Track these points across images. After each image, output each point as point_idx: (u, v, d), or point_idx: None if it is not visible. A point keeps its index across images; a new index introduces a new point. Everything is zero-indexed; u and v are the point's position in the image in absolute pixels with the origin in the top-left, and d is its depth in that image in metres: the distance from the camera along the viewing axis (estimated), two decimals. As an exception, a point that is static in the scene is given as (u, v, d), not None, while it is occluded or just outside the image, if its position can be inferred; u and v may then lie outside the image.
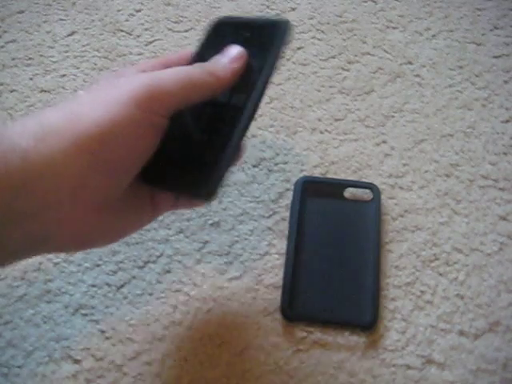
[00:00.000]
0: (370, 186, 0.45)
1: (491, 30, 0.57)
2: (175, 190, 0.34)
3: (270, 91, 0.52)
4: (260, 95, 0.34)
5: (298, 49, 0.55)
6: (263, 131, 0.50)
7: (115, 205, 0.31)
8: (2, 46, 0.55)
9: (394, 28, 0.57)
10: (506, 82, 0.54)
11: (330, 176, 0.47)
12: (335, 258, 0.42)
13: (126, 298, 0.41)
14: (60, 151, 0.28)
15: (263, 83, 0.34)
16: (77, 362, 0.38)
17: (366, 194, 0.45)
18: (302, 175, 0.46)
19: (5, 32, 0.56)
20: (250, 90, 0.34)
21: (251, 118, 0.34)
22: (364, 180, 0.46)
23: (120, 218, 0.32)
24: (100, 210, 0.30)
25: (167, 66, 0.34)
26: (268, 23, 0.36)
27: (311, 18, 0.58)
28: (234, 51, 0.34)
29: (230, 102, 0.34)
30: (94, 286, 0.41)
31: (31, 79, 0.53)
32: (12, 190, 0.27)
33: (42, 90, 0.52)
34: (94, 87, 0.32)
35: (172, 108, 0.31)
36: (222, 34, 0.37)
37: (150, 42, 0.56)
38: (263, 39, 0.36)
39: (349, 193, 0.45)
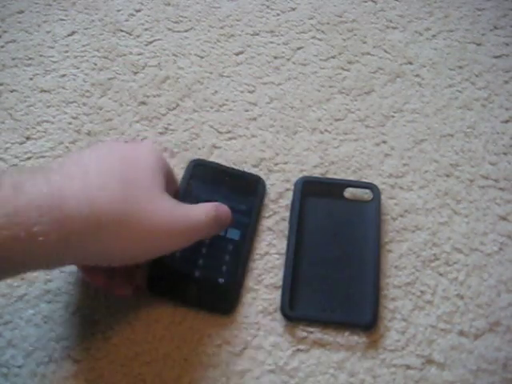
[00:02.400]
0: (369, 186, 0.45)
1: (491, 30, 0.57)
2: (194, 304, 0.40)
3: (270, 91, 0.52)
4: (253, 230, 0.43)
5: (298, 49, 0.55)
6: (263, 131, 0.50)
7: None
8: (2, 46, 0.55)
9: (393, 28, 0.57)
10: (506, 82, 0.54)
11: (330, 176, 0.47)
12: (335, 257, 0.42)
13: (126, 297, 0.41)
14: None
15: (254, 222, 0.43)
16: (77, 362, 0.38)
17: (366, 194, 0.45)
18: (301, 175, 0.46)
19: (5, 32, 0.56)
20: (243, 226, 0.43)
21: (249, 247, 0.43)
22: (364, 180, 0.46)
23: None
24: None
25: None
26: (247, 176, 0.45)
27: (311, 18, 0.58)
28: (224, 207, 0.39)
29: (226, 236, 0.42)
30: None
31: (31, 79, 0.53)
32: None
33: (42, 90, 0.52)
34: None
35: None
36: (204, 175, 0.45)
37: (150, 42, 0.56)
38: (245, 187, 0.45)
39: (349, 193, 0.45)
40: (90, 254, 0.33)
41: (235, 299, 0.40)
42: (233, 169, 0.46)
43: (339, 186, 0.45)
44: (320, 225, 0.43)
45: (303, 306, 0.40)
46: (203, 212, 0.37)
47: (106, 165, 0.34)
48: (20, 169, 0.34)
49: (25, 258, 0.31)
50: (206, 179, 0.44)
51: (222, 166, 0.46)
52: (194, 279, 0.40)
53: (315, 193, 0.45)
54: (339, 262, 0.42)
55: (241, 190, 0.44)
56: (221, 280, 0.40)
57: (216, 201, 0.40)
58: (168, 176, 0.38)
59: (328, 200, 0.45)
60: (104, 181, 0.33)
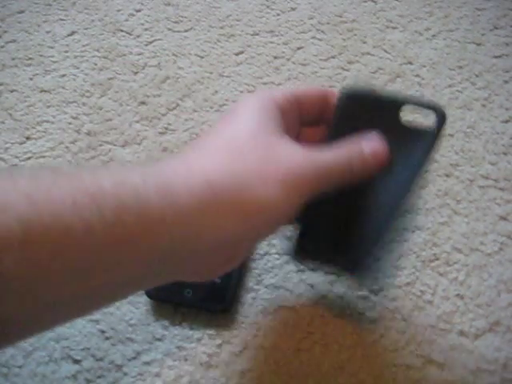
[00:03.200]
0: (433, 107, 0.34)
1: (491, 30, 0.57)
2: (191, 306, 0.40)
3: (270, 91, 0.52)
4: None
5: (298, 49, 0.55)
6: (263, 131, 0.49)
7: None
8: (2, 46, 0.55)
9: (393, 28, 0.57)
10: (506, 81, 0.54)
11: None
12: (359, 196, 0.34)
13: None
14: (230, 227, 0.28)
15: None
16: (77, 362, 0.38)
17: (426, 119, 0.35)
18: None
19: (5, 32, 0.56)
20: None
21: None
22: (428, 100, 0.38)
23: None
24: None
25: (306, 98, 0.34)
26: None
27: (311, 18, 0.58)
28: (377, 146, 0.32)
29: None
30: (94, 286, 0.41)
31: (31, 79, 0.53)
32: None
33: (42, 90, 0.52)
34: (256, 137, 0.30)
35: (312, 193, 0.30)
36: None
37: (150, 42, 0.56)
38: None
39: (406, 115, 0.35)
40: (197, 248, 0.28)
41: (232, 299, 0.40)
42: None
43: (394, 103, 0.34)
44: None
45: (315, 241, 0.35)
46: (336, 156, 0.31)
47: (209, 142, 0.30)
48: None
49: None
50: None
51: None
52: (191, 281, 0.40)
53: (364, 112, 0.34)
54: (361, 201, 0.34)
55: None
56: (217, 280, 0.40)
57: None
58: (288, 111, 0.32)
59: (378, 121, 0.34)
60: (208, 159, 0.28)
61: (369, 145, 0.32)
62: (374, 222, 0.34)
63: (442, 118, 0.33)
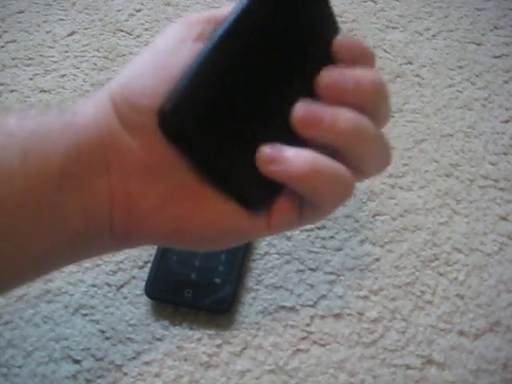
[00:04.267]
0: None
1: (491, 30, 0.57)
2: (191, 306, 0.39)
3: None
4: None
5: (298, 49, 0.55)
6: (263, 131, 0.49)
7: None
8: (2, 46, 0.55)
9: (393, 28, 0.57)
10: (506, 81, 0.54)
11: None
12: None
13: (126, 297, 0.41)
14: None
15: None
16: (77, 362, 0.38)
17: None
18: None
19: (5, 32, 0.56)
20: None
21: None
22: None
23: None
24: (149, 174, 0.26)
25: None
26: None
27: (311, 18, 0.58)
28: None
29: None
30: (94, 285, 0.41)
31: (31, 79, 0.53)
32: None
33: (42, 90, 0.52)
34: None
35: None
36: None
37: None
38: None
39: None
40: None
41: (232, 299, 0.40)
42: None
43: None
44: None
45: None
46: None
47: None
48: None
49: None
50: None
51: None
52: (191, 281, 0.40)
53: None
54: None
55: None
56: (217, 280, 0.40)
57: None
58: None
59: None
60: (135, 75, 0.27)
61: None
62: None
63: None
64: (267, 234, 0.29)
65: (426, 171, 0.48)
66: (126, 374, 0.38)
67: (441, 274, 0.42)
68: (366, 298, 0.41)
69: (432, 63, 0.55)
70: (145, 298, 0.40)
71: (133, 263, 0.42)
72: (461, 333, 0.40)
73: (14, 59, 0.54)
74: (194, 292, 0.40)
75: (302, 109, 0.27)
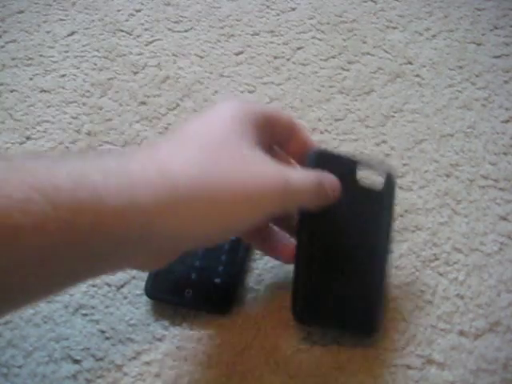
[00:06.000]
0: (386, 171, 0.39)
1: (491, 30, 0.57)
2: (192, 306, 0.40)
3: (270, 91, 0.52)
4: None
5: (298, 49, 0.55)
6: (263, 131, 0.49)
7: None
8: (2, 46, 0.55)
9: (394, 28, 0.57)
10: (506, 82, 0.54)
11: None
12: (345, 258, 0.38)
13: (126, 297, 0.41)
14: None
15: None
16: (77, 362, 0.38)
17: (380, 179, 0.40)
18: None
19: (5, 32, 0.56)
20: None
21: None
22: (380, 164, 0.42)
23: None
24: None
25: (278, 121, 0.35)
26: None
27: (311, 18, 0.58)
28: (333, 181, 0.35)
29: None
30: (94, 285, 0.41)
31: (31, 79, 0.53)
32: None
33: (42, 90, 0.52)
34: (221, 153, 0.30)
35: (279, 208, 0.32)
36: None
37: (150, 42, 0.56)
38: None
39: (363, 174, 0.39)
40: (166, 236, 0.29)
41: (232, 299, 0.40)
42: None
43: (353, 164, 0.38)
44: (331, 211, 0.36)
45: (316, 308, 0.37)
46: (306, 176, 0.33)
47: (182, 139, 0.30)
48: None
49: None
50: None
51: None
52: (191, 281, 0.40)
53: (330, 169, 0.37)
54: (349, 264, 0.38)
55: None
56: (217, 280, 0.40)
57: None
58: (263, 126, 0.33)
59: (342, 179, 0.37)
60: (177, 152, 0.29)
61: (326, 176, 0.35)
62: (366, 282, 0.38)
63: (390, 180, 0.39)
64: None
65: (426, 171, 0.48)
66: (126, 373, 0.38)
67: (441, 274, 0.42)
68: (366, 298, 0.41)
69: (432, 63, 0.55)
70: (145, 298, 0.40)
71: (133, 263, 0.42)
72: (461, 333, 0.40)
73: (13, 59, 0.54)
74: (194, 292, 0.40)
75: None
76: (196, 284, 0.40)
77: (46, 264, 0.25)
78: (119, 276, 0.41)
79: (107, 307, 0.40)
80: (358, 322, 0.38)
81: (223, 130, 0.30)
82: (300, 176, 0.33)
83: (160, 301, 0.40)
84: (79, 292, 0.41)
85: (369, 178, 0.39)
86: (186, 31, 0.56)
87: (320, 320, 0.38)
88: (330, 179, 0.35)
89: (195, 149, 0.29)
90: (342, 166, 0.38)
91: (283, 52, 0.55)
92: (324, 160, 0.37)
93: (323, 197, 0.34)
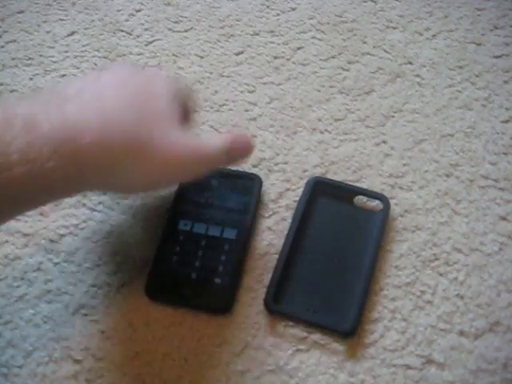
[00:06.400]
0: (380, 198, 0.45)
1: (491, 30, 0.57)
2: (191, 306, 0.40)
3: (270, 91, 0.52)
4: (250, 229, 0.43)
5: (298, 49, 0.55)
6: (263, 131, 0.50)
7: None
8: (2, 46, 0.55)
9: (394, 28, 0.57)
10: (506, 82, 0.54)
11: (330, 176, 0.47)
12: (331, 262, 0.42)
13: (125, 298, 0.41)
14: None
15: (251, 221, 0.43)
16: (77, 362, 0.38)
17: (375, 204, 0.45)
18: (312, 175, 0.46)
19: (5, 32, 0.56)
20: (240, 226, 0.42)
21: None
22: (376, 190, 0.46)
23: None
24: None
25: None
26: (242, 175, 0.45)
27: (311, 18, 0.58)
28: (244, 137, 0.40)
29: (222, 236, 0.42)
30: (94, 286, 0.41)
31: (31, 79, 0.53)
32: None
33: (42, 90, 0.52)
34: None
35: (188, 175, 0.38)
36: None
37: (150, 42, 0.56)
38: (241, 186, 0.45)
39: (359, 200, 0.45)
40: (106, 184, 0.35)
41: (232, 299, 0.40)
42: (228, 168, 0.45)
43: (350, 192, 0.45)
44: (323, 227, 0.43)
45: (287, 302, 0.40)
46: (218, 143, 0.37)
47: (122, 96, 0.34)
48: (34, 98, 0.33)
49: (40, 193, 0.31)
50: (201, 179, 0.42)
51: None
52: (191, 281, 0.40)
53: (325, 194, 0.44)
54: (334, 267, 0.41)
55: (236, 190, 0.44)
56: (217, 280, 0.40)
57: (211, 203, 0.42)
58: (185, 106, 0.38)
59: (336, 204, 0.44)
60: (119, 113, 0.33)
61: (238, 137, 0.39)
62: (349, 286, 0.40)
63: (387, 204, 0.44)
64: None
65: (426, 171, 0.48)
66: (125, 374, 0.38)
67: (441, 274, 0.42)
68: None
69: (432, 63, 0.55)
70: (145, 298, 0.40)
71: (133, 263, 0.42)
72: (461, 333, 0.40)
73: (13, 59, 0.54)
74: (194, 292, 0.40)
75: None
76: (196, 284, 0.40)
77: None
78: (119, 276, 0.42)
79: (107, 307, 0.40)
80: (333, 320, 0.39)
81: (160, 105, 0.35)
82: (215, 143, 0.37)
83: (160, 301, 0.40)
84: (79, 292, 0.41)
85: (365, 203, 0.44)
86: (185, 31, 0.56)
87: (291, 312, 0.40)
88: (241, 139, 0.39)
89: (134, 118, 0.33)
90: (339, 192, 0.45)
91: (283, 52, 0.55)
92: (320, 186, 0.45)
93: (234, 157, 0.39)
